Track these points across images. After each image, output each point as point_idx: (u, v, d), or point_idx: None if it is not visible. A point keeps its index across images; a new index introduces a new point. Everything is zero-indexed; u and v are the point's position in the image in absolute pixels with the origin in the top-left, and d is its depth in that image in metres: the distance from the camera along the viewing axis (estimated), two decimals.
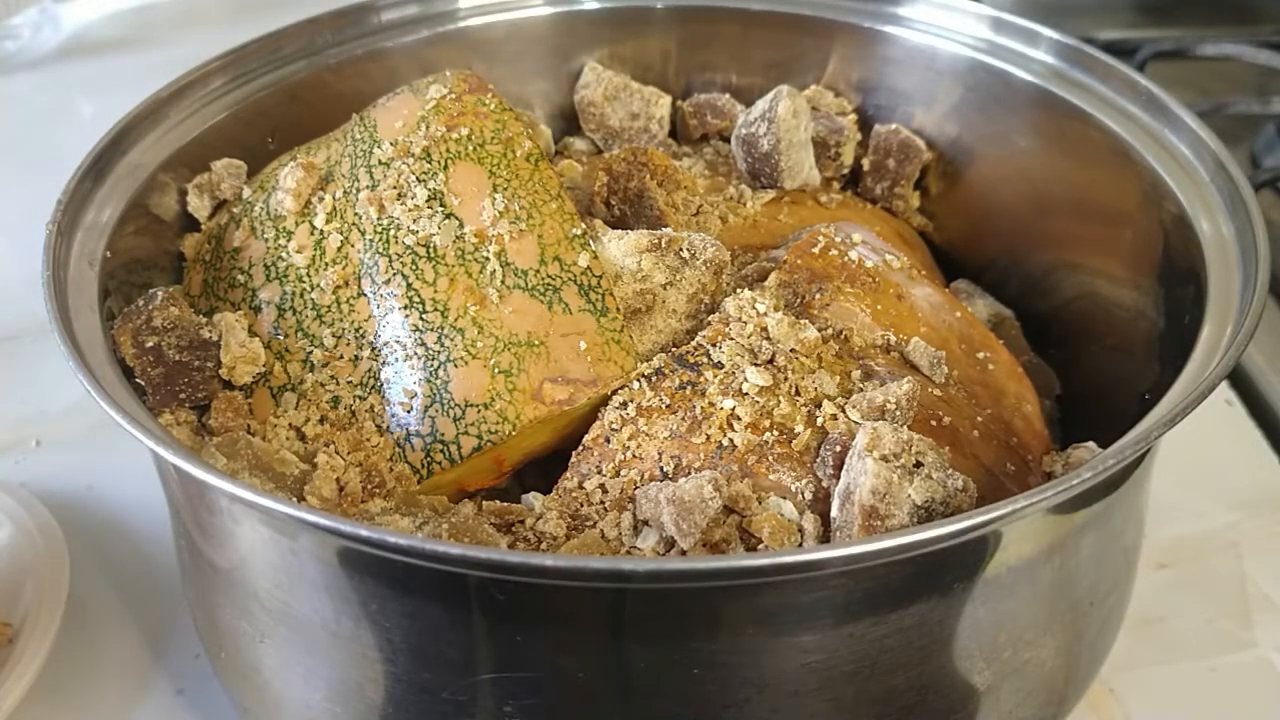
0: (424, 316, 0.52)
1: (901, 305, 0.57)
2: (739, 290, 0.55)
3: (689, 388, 0.51)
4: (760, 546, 0.46)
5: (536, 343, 0.51)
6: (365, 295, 0.53)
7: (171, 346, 0.51)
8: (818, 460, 0.48)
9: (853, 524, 0.45)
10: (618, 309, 0.53)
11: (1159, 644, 0.64)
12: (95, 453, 0.75)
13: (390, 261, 0.53)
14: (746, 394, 0.50)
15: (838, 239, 0.58)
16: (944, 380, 0.54)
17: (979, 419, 0.54)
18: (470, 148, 0.55)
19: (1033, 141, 0.67)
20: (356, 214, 0.54)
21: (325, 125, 0.62)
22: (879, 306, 0.56)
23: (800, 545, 0.47)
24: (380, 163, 0.55)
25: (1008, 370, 0.58)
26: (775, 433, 0.49)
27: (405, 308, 0.52)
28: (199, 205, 0.60)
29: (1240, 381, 0.82)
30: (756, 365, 0.51)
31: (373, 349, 0.52)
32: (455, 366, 0.51)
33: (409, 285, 0.52)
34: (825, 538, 0.47)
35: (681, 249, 0.55)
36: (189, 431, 0.52)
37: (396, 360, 0.52)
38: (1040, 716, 0.52)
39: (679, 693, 0.43)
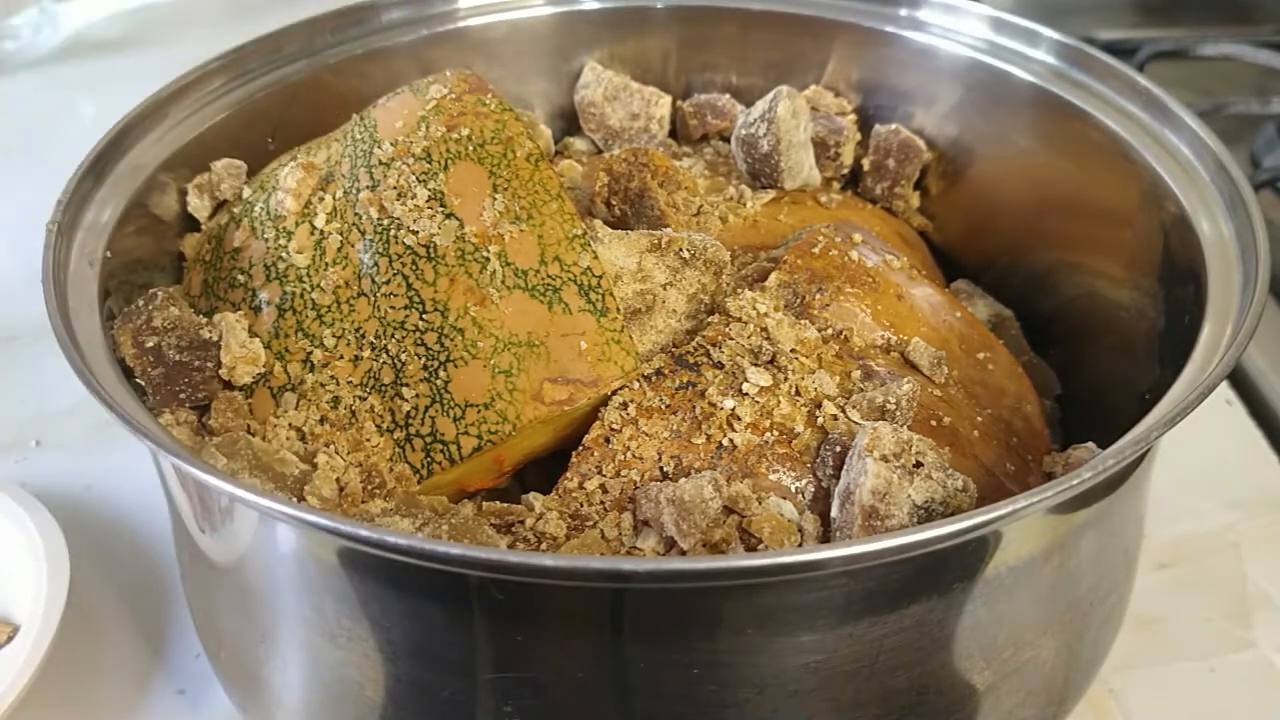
0: (424, 316, 0.52)
1: (901, 305, 0.57)
2: (739, 290, 0.55)
3: (689, 388, 0.51)
4: (760, 546, 0.46)
5: (536, 343, 0.51)
6: (365, 295, 0.53)
7: (171, 346, 0.51)
8: (818, 460, 0.48)
9: (853, 524, 0.45)
10: (618, 309, 0.53)
11: (1159, 644, 0.64)
12: (95, 453, 0.75)
13: (390, 261, 0.53)
14: (747, 394, 0.50)
15: (838, 239, 0.58)
16: (944, 380, 0.54)
17: (979, 419, 0.54)
18: (470, 148, 0.55)
19: (1033, 141, 0.67)
20: (357, 214, 0.54)
21: (325, 125, 0.62)
22: (879, 306, 0.56)
23: (800, 545, 0.47)
24: (380, 163, 0.55)
25: (1008, 370, 0.58)
26: (775, 433, 0.49)
27: (405, 308, 0.52)
28: (199, 205, 0.60)
29: (1240, 381, 0.82)
30: (757, 365, 0.51)
31: (373, 349, 0.52)
32: (455, 366, 0.51)
33: (409, 285, 0.52)
34: (825, 538, 0.47)
35: (681, 249, 0.55)
36: (189, 431, 0.52)
37: (396, 360, 0.52)
38: (1040, 716, 0.52)
39: (679, 693, 0.43)
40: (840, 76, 0.73)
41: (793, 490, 0.48)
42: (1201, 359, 0.48)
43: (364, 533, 0.38)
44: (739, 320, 0.53)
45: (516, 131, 0.56)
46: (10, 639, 0.60)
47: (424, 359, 0.51)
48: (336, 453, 0.50)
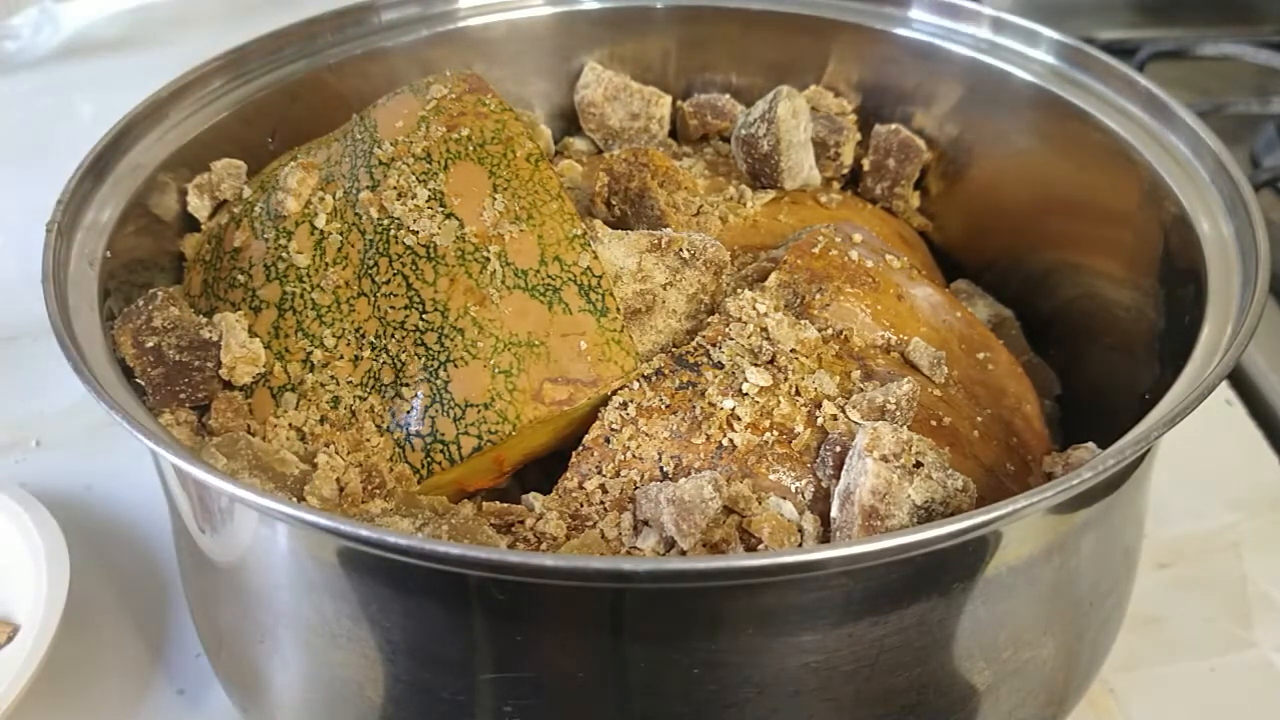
0: (424, 316, 0.52)
1: (901, 305, 0.57)
2: (739, 290, 0.55)
3: (689, 388, 0.51)
4: (760, 546, 0.46)
5: (536, 343, 0.51)
6: (365, 295, 0.53)
7: (171, 346, 0.51)
8: (818, 460, 0.48)
9: (853, 524, 0.45)
10: (618, 309, 0.53)
11: (1159, 644, 0.64)
12: (95, 453, 0.75)
13: (390, 261, 0.53)
14: (746, 394, 0.50)
15: (838, 239, 0.58)
16: (944, 380, 0.54)
17: (979, 419, 0.54)
18: (470, 148, 0.55)
19: (1033, 141, 0.67)
20: (357, 214, 0.54)
21: (325, 125, 0.62)
22: (879, 306, 0.56)
23: (800, 545, 0.47)
24: (380, 163, 0.55)
25: (1008, 370, 0.58)
26: (775, 433, 0.49)
27: (405, 308, 0.52)
28: (199, 205, 0.60)
29: (1240, 381, 0.82)
30: (756, 365, 0.51)
31: (373, 349, 0.52)
32: (455, 366, 0.51)
33: (409, 285, 0.52)
34: (825, 538, 0.47)
35: (681, 249, 0.55)
36: (189, 431, 0.52)
37: (396, 360, 0.52)
38: (1040, 716, 0.52)
39: (679, 693, 0.43)
40: (840, 76, 0.73)
41: (793, 490, 0.48)
42: (1201, 359, 0.48)
43: (364, 533, 0.38)
44: (739, 320, 0.53)
45: (516, 131, 0.56)
46: (10, 639, 0.60)
47: (424, 359, 0.51)
48: (336, 453, 0.50)
